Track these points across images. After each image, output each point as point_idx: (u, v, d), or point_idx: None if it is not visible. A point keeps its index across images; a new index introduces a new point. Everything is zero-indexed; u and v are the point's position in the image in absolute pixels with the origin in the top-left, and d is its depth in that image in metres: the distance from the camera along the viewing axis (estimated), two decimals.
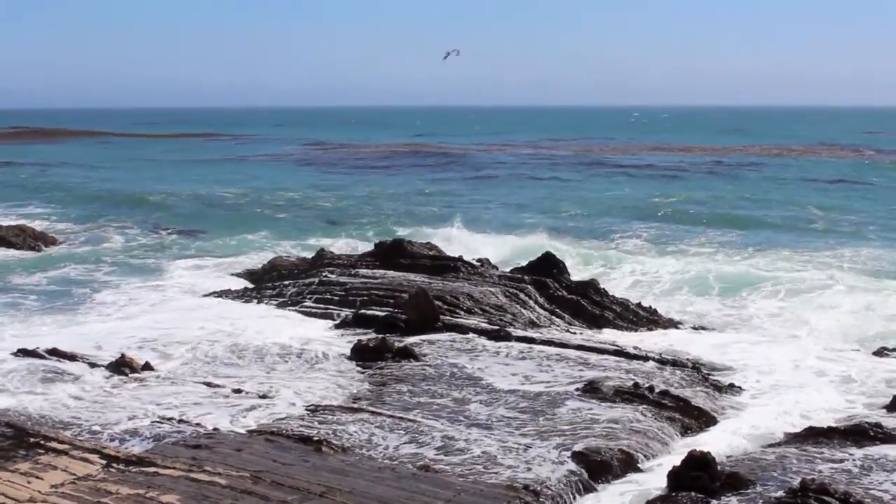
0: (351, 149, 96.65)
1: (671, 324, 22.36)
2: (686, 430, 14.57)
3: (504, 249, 31.24)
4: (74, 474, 11.57)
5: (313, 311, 22.24)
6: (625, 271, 28.88)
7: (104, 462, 11.99)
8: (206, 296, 24.51)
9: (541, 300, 22.78)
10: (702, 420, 15.01)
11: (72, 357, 17.37)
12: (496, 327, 20.28)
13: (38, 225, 38.93)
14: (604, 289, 23.43)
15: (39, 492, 11.08)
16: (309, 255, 28.93)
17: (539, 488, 11.68)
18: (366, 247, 30.15)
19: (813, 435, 14.01)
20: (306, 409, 14.76)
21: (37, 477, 11.43)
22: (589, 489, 12.16)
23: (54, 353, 17.45)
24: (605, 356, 18.23)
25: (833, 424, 14.43)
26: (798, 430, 14.44)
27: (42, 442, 12.60)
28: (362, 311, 21.52)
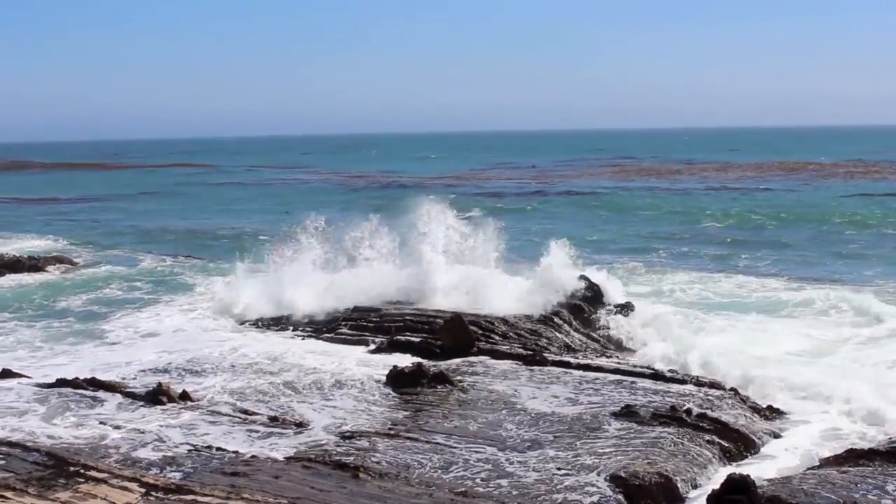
0: (380, 178, 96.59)
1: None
2: (725, 453, 14.43)
3: None
4: (114, 503, 11.63)
5: (348, 338, 22.30)
6: (661, 293, 28.68)
7: (143, 490, 12.02)
8: (241, 323, 24.65)
9: (576, 324, 22.70)
10: (741, 443, 14.87)
11: (109, 386, 17.51)
12: (531, 352, 20.23)
13: (64, 250, 40.08)
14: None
15: None
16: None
17: None
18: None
19: (854, 457, 13.80)
20: (342, 436, 14.78)
21: None
22: None
23: (92, 382, 17.61)
24: (642, 379, 18.12)
25: (874, 446, 14.25)
26: (838, 451, 14.26)
27: (81, 471, 12.66)
28: (397, 337, 21.56)
